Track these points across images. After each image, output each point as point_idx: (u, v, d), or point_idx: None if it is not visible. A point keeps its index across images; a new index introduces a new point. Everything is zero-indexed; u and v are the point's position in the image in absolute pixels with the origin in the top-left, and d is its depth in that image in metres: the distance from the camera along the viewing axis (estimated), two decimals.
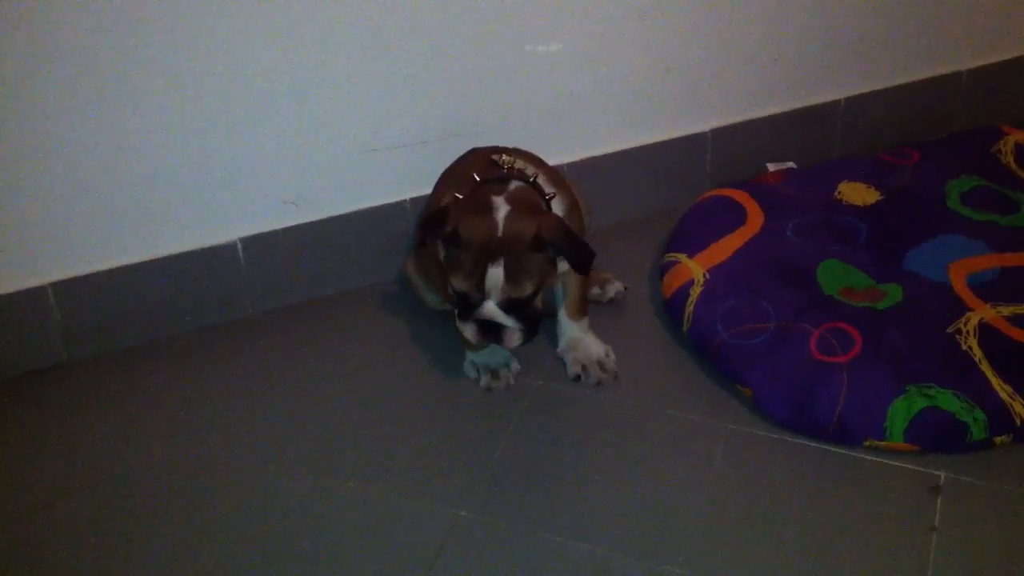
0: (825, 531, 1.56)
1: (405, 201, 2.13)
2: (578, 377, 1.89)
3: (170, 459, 1.75)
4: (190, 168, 1.95)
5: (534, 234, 1.66)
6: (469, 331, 1.72)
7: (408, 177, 2.11)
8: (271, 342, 2.03)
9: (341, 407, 1.86)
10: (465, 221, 1.67)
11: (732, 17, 2.25)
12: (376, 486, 1.68)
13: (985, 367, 1.74)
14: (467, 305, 1.70)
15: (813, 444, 1.72)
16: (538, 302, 1.72)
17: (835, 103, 2.45)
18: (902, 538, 1.54)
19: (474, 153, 1.94)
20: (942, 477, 1.64)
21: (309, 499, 1.66)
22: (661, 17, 2.18)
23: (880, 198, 2.26)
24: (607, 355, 1.91)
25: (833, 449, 1.71)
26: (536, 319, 1.73)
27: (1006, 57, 2.57)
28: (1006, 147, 2.38)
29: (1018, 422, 1.68)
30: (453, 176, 1.91)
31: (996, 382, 1.71)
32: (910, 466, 1.67)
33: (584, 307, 1.92)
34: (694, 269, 2.05)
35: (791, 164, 2.43)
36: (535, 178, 1.78)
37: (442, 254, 1.73)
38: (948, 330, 1.83)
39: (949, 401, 1.68)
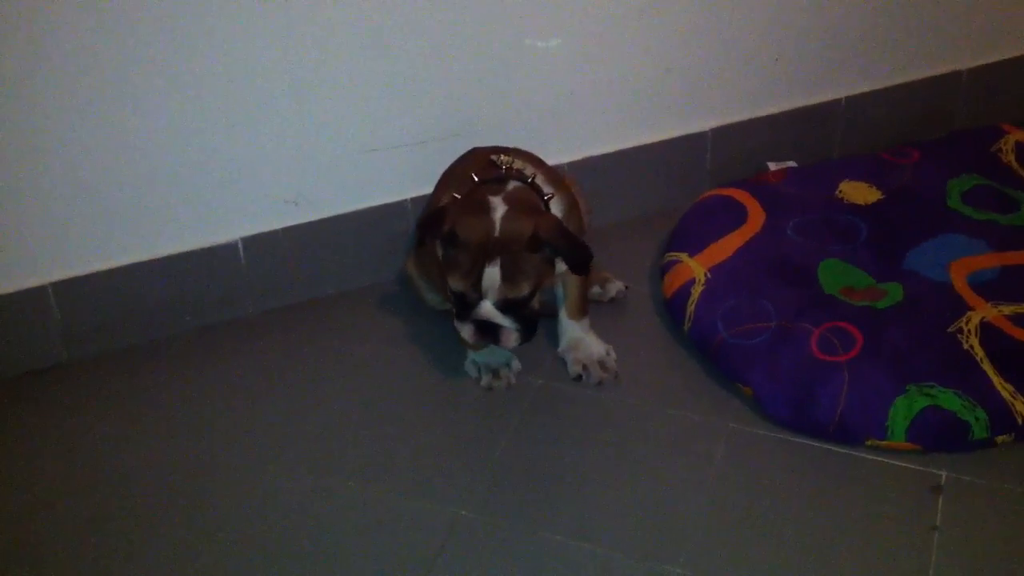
0: (826, 531, 1.56)
1: (405, 201, 2.13)
2: (579, 377, 1.89)
3: (170, 459, 1.75)
4: (190, 168, 1.95)
5: (531, 234, 1.66)
6: (467, 331, 1.72)
7: (408, 177, 2.11)
8: (271, 342, 2.03)
9: (341, 407, 1.86)
10: (462, 221, 1.67)
11: (732, 17, 2.25)
12: (376, 486, 1.68)
13: (986, 366, 1.74)
14: (464, 305, 1.70)
15: (814, 443, 1.72)
16: (535, 302, 1.72)
17: (836, 102, 2.45)
18: (903, 538, 1.54)
19: (474, 153, 1.94)
20: (943, 476, 1.64)
21: (309, 499, 1.66)
22: (661, 16, 2.17)
23: (881, 197, 2.26)
24: (608, 354, 1.91)
25: (834, 448, 1.71)
26: (534, 319, 1.73)
27: (1006, 57, 2.57)
28: (1006, 146, 2.38)
29: (1019, 421, 1.67)
30: (453, 176, 1.91)
31: (997, 381, 1.71)
32: (911, 465, 1.67)
33: (585, 307, 1.92)
34: (695, 268, 2.05)
35: (792, 163, 2.43)
36: (533, 178, 1.78)
37: (440, 254, 1.73)
38: (949, 329, 1.83)
39: (950, 400, 1.68)
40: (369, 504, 1.64)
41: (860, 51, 2.41)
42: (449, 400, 1.87)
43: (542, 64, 2.12)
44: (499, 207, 1.69)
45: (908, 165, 2.36)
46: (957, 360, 1.76)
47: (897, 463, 1.67)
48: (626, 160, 2.29)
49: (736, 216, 2.20)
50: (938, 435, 1.67)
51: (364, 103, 2.02)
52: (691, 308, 1.96)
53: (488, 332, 1.71)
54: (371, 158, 2.07)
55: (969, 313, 1.86)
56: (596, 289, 2.07)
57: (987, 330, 1.82)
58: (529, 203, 1.73)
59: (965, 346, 1.79)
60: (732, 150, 2.39)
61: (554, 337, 1.95)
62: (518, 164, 1.81)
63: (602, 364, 1.89)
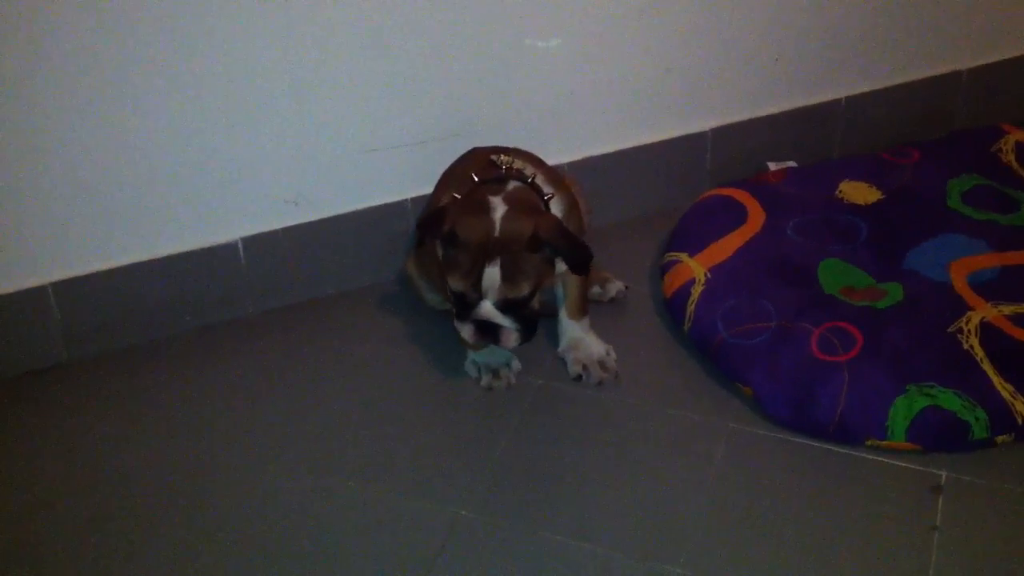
0: (826, 531, 1.56)
1: (405, 201, 2.13)
2: (579, 377, 1.88)
3: (170, 459, 1.75)
4: (190, 168, 1.95)
5: (531, 234, 1.66)
6: (466, 331, 1.72)
7: (408, 177, 2.11)
8: (271, 342, 2.03)
9: (341, 407, 1.86)
10: (462, 221, 1.67)
11: (732, 17, 2.25)
12: (376, 486, 1.68)
13: (986, 366, 1.74)
14: (464, 305, 1.70)
15: (814, 443, 1.72)
16: (535, 302, 1.72)
17: (836, 102, 2.45)
18: (903, 538, 1.54)
19: (474, 153, 1.94)
20: (943, 476, 1.64)
21: (309, 499, 1.66)
22: (661, 16, 2.17)
23: (881, 197, 2.26)
24: (608, 354, 1.91)
25: (834, 448, 1.71)
26: (534, 319, 1.73)
27: (1006, 57, 2.57)
28: (1006, 146, 2.38)
29: (1020, 421, 1.67)
30: (453, 176, 1.91)
31: (997, 381, 1.71)
32: (911, 465, 1.67)
33: (585, 307, 1.92)
34: (695, 268, 2.05)
35: (792, 163, 2.43)
36: (533, 178, 1.78)
37: (440, 254, 1.73)
38: (949, 329, 1.83)
39: (950, 400, 1.68)
40: (369, 504, 1.64)
41: (860, 51, 2.41)
42: (449, 400, 1.87)
43: (542, 64, 2.12)
44: (499, 207, 1.69)
45: (908, 165, 2.36)
46: (957, 360, 1.76)
47: (897, 463, 1.67)
48: (626, 160, 2.29)
49: (736, 216, 2.20)
50: (938, 435, 1.67)
51: (364, 103, 2.02)
52: (691, 308, 1.96)
53: (488, 332, 1.71)
54: (371, 158, 2.07)
55: (969, 313, 1.86)
56: (596, 289, 2.07)
57: (987, 330, 1.82)
58: (529, 203, 1.73)
59: (965, 346, 1.79)
60: (732, 150, 2.39)
61: (554, 337, 1.95)
62: (518, 164, 1.81)
63: (602, 364, 1.89)
